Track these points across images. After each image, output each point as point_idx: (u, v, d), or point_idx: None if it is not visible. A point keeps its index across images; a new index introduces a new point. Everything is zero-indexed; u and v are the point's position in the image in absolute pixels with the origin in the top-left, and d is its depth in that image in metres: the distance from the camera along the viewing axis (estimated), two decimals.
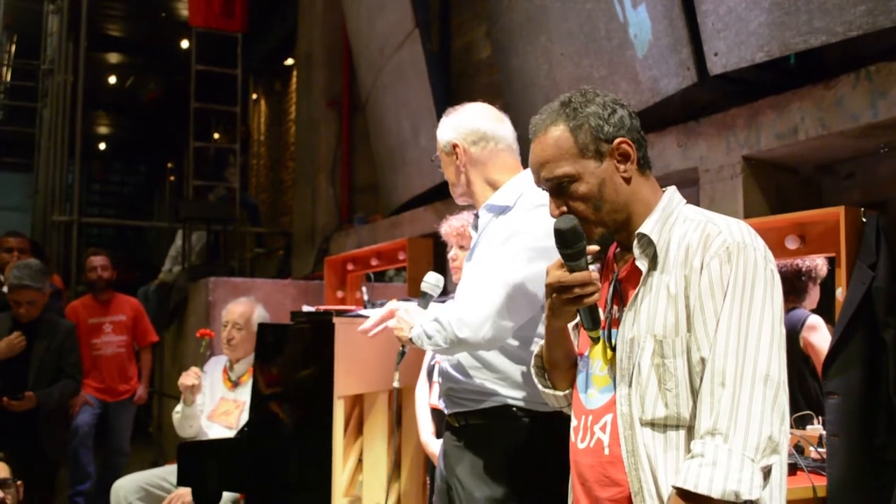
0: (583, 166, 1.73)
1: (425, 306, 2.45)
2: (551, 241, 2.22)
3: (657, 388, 1.63)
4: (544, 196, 2.32)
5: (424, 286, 2.50)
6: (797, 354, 3.30)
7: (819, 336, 3.22)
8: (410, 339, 2.34)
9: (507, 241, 2.26)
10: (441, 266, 2.60)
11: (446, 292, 3.06)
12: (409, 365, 3.37)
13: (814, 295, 3.46)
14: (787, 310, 3.42)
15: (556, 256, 2.26)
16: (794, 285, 3.42)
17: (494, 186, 2.44)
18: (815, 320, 3.30)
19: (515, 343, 2.29)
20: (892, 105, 2.87)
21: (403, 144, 6.20)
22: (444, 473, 2.47)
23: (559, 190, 1.75)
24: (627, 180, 1.74)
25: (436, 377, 3.15)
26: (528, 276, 2.20)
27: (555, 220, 1.71)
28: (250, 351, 4.26)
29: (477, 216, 2.52)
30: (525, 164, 2.52)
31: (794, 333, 3.32)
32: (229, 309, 4.41)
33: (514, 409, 2.30)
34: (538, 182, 1.81)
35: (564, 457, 2.36)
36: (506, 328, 2.20)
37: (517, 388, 2.31)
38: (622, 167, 1.74)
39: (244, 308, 4.38)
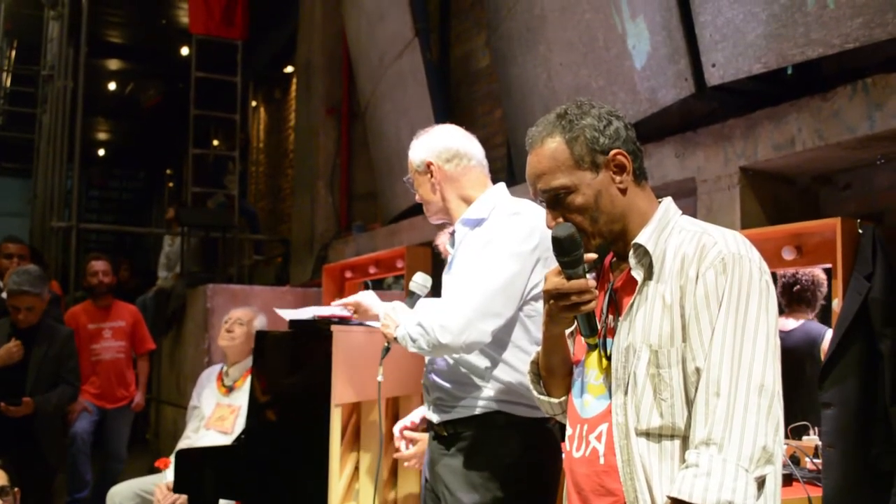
0: (579, 178, 1.74)
1: (412, 305, 2.50)
2: (526, 246, 2.29)
3: (652, 397, 1.64)
4: (518, 205, 2.40)
5: (412, 286, 2.57)
6: (816, 367, 3.30)
7: None
8: (395, 338, 2.42)
9: (484, 249, 2.34)
10: (439, 274, 2.61)
11: None
12: (408, 372, 3.37)
13: (818, 308, 3.47)
14: (802, 321, 3.43)
15: (531, 260, 2.26)
16: (814, 295, 3.44)
17: (468, 202, 2.54)
18: None
19: (496, 347, 2.35)
20: (888, 116, 2.88)
21: (402, 153, 6.15)
22: (431, 482, 2.51)
23: (556, 201, 1.76)
24: (623, 191, 1.75)
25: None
26: (506, 281, 2.28)
27: (552, 229, 1.72)
28: (247, 354, 4.28)
29: (453, 232, 2.60)
30: (512, 176, 2.58)
31: (814, 346, 3.33)
32: (231, 311, 4.49)
33: (503, 415, 2.35)
34: (534, 194, 1.82)
35: (553, 463, 2.39)
36: (485, 332, 2.27)
37: (502, 393, 2.36)
38: (618, 178, 1.74)
39: (247, 311, 4.48)
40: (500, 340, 2.35)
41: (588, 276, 1.74)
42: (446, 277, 2.55)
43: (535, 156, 1.80)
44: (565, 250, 1.69)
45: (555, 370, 1.93)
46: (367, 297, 2.66)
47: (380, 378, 2.58)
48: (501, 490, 2.31)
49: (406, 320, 2.39)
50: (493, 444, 2.35)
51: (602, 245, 1.77)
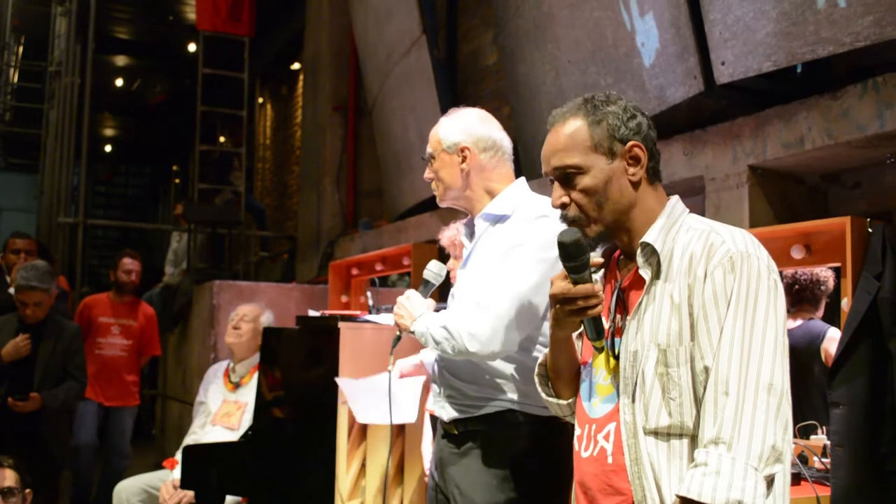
0: (593, 161, 1.74)
1: (426, 294, 2.45)
2: (553, 252, 2.18)
3: (661, 396, 1.63)
4: (544, 206, 2.29)
5: (427, 274, 2.49)
6: (819, 365, 3.30)
7: None
8: (412, 331, 2.35)
9: (511, 253, 2.27)
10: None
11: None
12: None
13: (823, 306, 3.46)
14: (804, 320, 3.43)
15: (559, 267, 2.25)
16: (813, 294, 3.43)
17: (492, 195, 2.45)
18: (836, 332, 3.30)
19: (520, 350, 2.29)
20: None
21: (409, 150, 6.21)
22: (439, 482, 2.44)
23: (565, 179, 1.76)
24: (634, 184, 1.75)
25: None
26: (532, 288, 2.22)
27: (558, 233, 1.70)
28: (254, 351, 4.28)
29: (467, 224, 2.53)
30: (518, 174, 2.52)
31: (814, 346, 3.32)
32: (238, 308, 4.49)
33: (515, 413, 2.29)
34: (546, 172, 1.81)
35: (566, 461, 2.35)
36: (514, 340, 2.22)
37: (518, 392, 2.30)
38: (631, 170, 1.75)
39: (254, 307, 4.49)
40: (524, 344, 2.29)
41: (595, 277, 1.74)
42: (461, 272, 2.48)
43: (554, 133, 1.80)
44: (571, 255, 1.68)
45: (562, 372, 1.93)
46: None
47: (390, 368, 2.52)
48: (515, 490, 2.25)
49: (427, 317, 2.32)
50: (507, 442, 2.29)
51: (602, 233, 1.76)
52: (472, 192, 2.47)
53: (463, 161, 2.45)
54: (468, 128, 2.47)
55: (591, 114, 1.76)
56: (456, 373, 2.38)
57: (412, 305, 2.39)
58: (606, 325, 1.77)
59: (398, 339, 2.48)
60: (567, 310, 1.72)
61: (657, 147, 1.80)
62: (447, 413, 2.39)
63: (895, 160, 3.21)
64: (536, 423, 2.29)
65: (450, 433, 2.40)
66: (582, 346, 1.90)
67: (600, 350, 1.77)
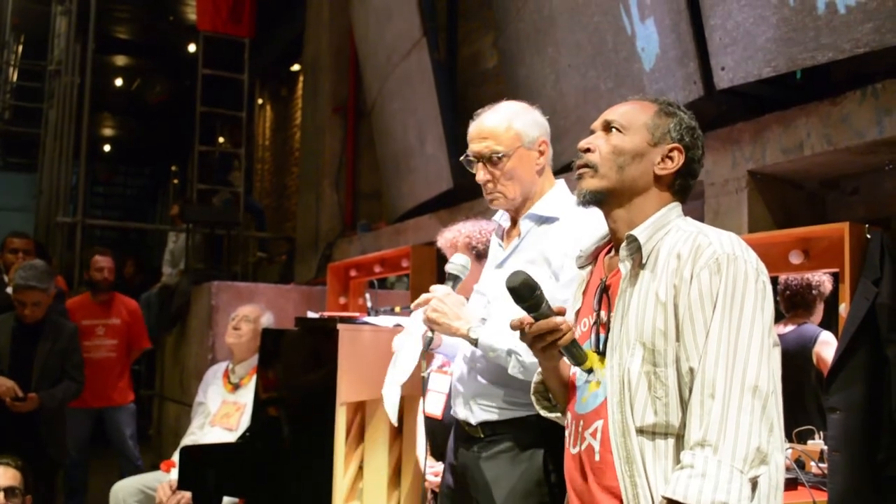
0: (639, 133, 1.79)
1: (455, 290, 2.31)
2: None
3: (646, 394, 1.65)
4: (596, 219, 2.02)
5: (454, 268, 2.34)
6: (811, 370, 3.31)
7: (832, 351, 3.23)
8: (472, 339, 2.21)
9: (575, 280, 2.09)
10: (443, 274, 2.56)
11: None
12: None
13: (819, 311, 3.47)
14: (797, 325, 3.44)
15: None
16: (804, 298, 3.44)
17: (540, 193, 2.33)
18: (828, 336, 3.32)
19: None
20: None
21: (409, 152, 6.21)
22: (456, 488, 2.37)
23: (607, 130, 1.82)
24: (656, 178, 1.79)
25: (433, 386, 3.13)
26: None
27: (505, 279, 1.72)
28: (254, 352, 4.28)
29: (500, 222, 2.43)
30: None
31: (806, 349, 3.34)
32: (238, 308, 4.50)
33: (543, 418, 2.17)
34: (594, 126, 1.85)
35: None
36: None
37: None
38: (661, 164, 1.78)
39: (254, 308, 4.50)
40: None
41: (582, 272, 1.74)
42: (497, 272, 2.34)
43: (626, 101, 1.87)
44: (523, 297, 1.71)
45: (556, 392, 1.97)
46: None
47: (424, 374, 2.37)
48: (549, 494, 2.19)
49: (503, 333, 2.13)
50: (536, 445, 2.21)
51: (600, 192, 1.79)
52: (532, 188, 2.31)
53: (541, 156, 2.30)
54: (540, 120, 2.33)
55: (666, 107, 1.83)
56: (488, 376, 2.28)
57: (455, 303, 2.25)
58: (591, 320, 1.80)
59: (430, 340, 2.30)
60: (538, 346, 1.77)
61: (694, 180, 1.85)
62: (475, 416, 2.29)
63: (894, 167, 3.22)
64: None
65: (474, 436, 2.31)
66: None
67: (589, 372, 1.78)
